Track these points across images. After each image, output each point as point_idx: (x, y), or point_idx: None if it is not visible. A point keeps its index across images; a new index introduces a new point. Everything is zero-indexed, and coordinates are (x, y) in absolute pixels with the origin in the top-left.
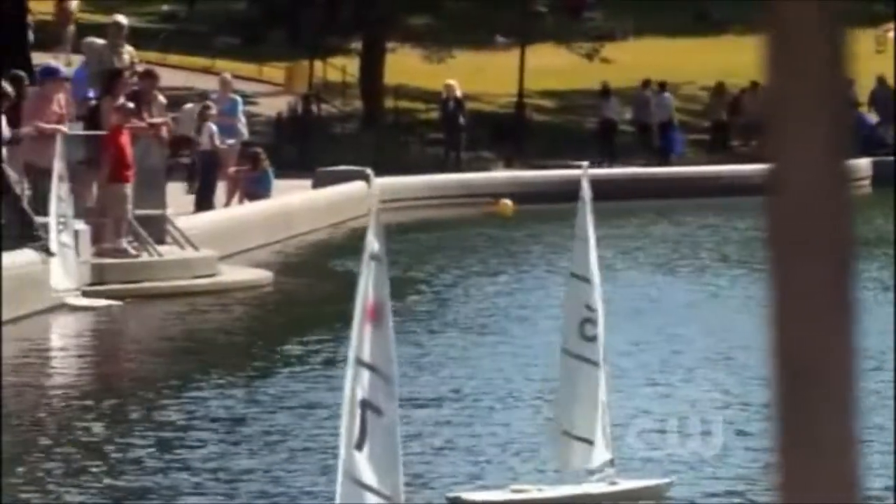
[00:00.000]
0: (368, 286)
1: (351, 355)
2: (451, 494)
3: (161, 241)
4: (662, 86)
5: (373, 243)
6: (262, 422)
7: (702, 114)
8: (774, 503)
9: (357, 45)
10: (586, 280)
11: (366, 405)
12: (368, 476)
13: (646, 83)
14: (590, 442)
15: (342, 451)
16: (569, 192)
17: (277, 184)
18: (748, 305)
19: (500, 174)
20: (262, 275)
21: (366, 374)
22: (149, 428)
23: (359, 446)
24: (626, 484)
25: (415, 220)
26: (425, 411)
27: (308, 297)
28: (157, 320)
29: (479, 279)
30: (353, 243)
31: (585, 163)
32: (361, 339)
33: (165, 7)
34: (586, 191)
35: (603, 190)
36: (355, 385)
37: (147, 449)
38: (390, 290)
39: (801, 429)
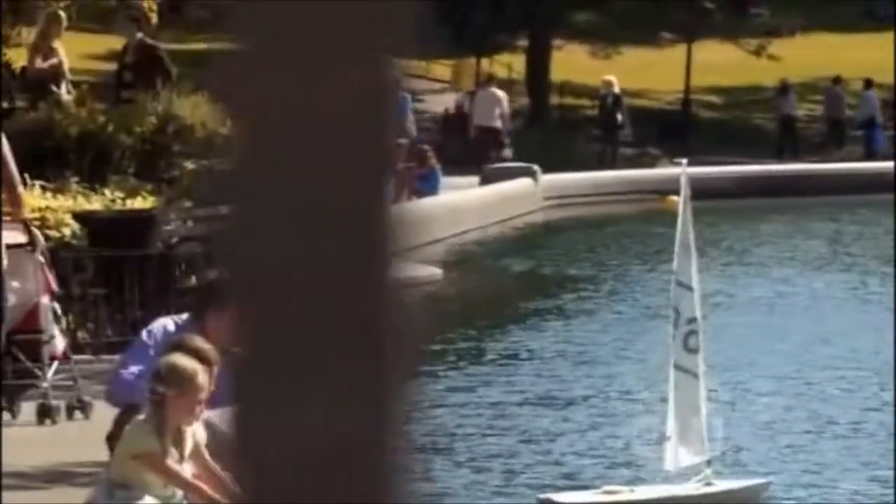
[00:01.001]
0: None
1: None
2: (542, 496)
3: None
4: (868, 83)
5: None
6: (428, 420)
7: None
8: None
9: (523, 42)
10: (690, 288)
11: None
12: None
13: (836, 79)
14: (686, 444)
15: None
16: (737, 188)
17: (444, 181)
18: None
19: (667, 171)
20: (432, 272)
21: None
22: None
23: None
24: (722, 485)
25: (580, 217)
26: (571, 409)
27: (478, 294)
28: None
29: (643, 276)
30: (521, 241)
31: (684, 160)
32: None
33: None
34: (685, 190)
35: (782, 185)
36: None
37: None
38: (553, 287)
39: None
